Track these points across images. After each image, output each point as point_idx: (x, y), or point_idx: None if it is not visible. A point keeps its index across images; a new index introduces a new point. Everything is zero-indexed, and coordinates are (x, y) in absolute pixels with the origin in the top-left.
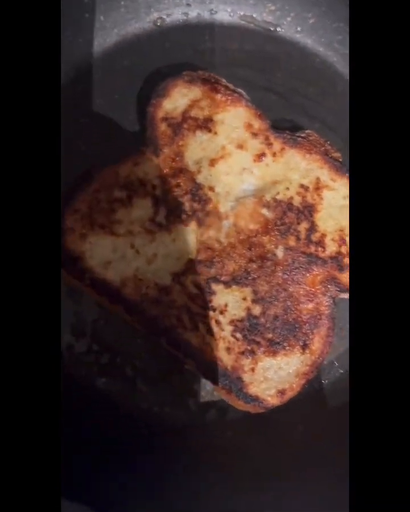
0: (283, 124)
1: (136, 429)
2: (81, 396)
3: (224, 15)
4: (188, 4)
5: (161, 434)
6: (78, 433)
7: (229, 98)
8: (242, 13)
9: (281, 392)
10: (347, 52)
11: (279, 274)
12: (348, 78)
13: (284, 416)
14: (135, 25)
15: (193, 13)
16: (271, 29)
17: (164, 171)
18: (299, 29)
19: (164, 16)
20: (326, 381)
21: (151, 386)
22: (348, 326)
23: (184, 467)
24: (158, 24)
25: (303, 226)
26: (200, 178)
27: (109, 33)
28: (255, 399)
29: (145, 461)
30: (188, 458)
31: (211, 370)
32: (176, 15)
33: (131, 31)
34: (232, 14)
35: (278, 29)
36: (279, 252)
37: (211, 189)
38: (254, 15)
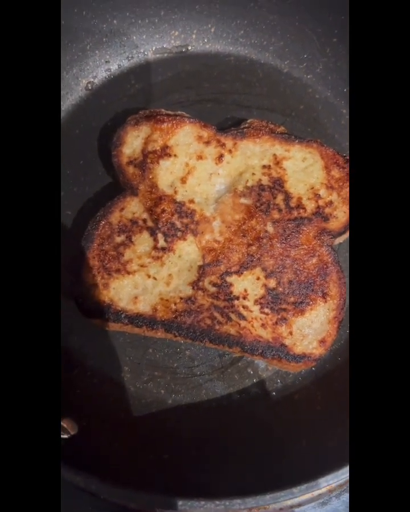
0: (228, 123)
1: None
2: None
3: (140, 57)
4: (107, 61)
5: (241, 419)
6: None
7: (173, 122)
8: (153, 48)
9: (322, 342)
10: (254, 41)
11: (278, 246)
12: (263, 61)
13: (335, 361)
14: (71, 97)
15: (114, 67)
16: (183, 50)
17: (147, 204)
18: (205, 40)
19: (92, 79)
20: None
21: (214, 384)
22: None
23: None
24: (90, 88)
25: (280, 198)
26: (179, 198)
27: None
28: (303, 356)
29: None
30: (273, 429)
31: (256, 348)
32: (101, 74)
33: (70, 103)
34: (145, 53)
35: (189, 47)
36: (270, 228)
37: (191, 201)
38: (165, 45)
